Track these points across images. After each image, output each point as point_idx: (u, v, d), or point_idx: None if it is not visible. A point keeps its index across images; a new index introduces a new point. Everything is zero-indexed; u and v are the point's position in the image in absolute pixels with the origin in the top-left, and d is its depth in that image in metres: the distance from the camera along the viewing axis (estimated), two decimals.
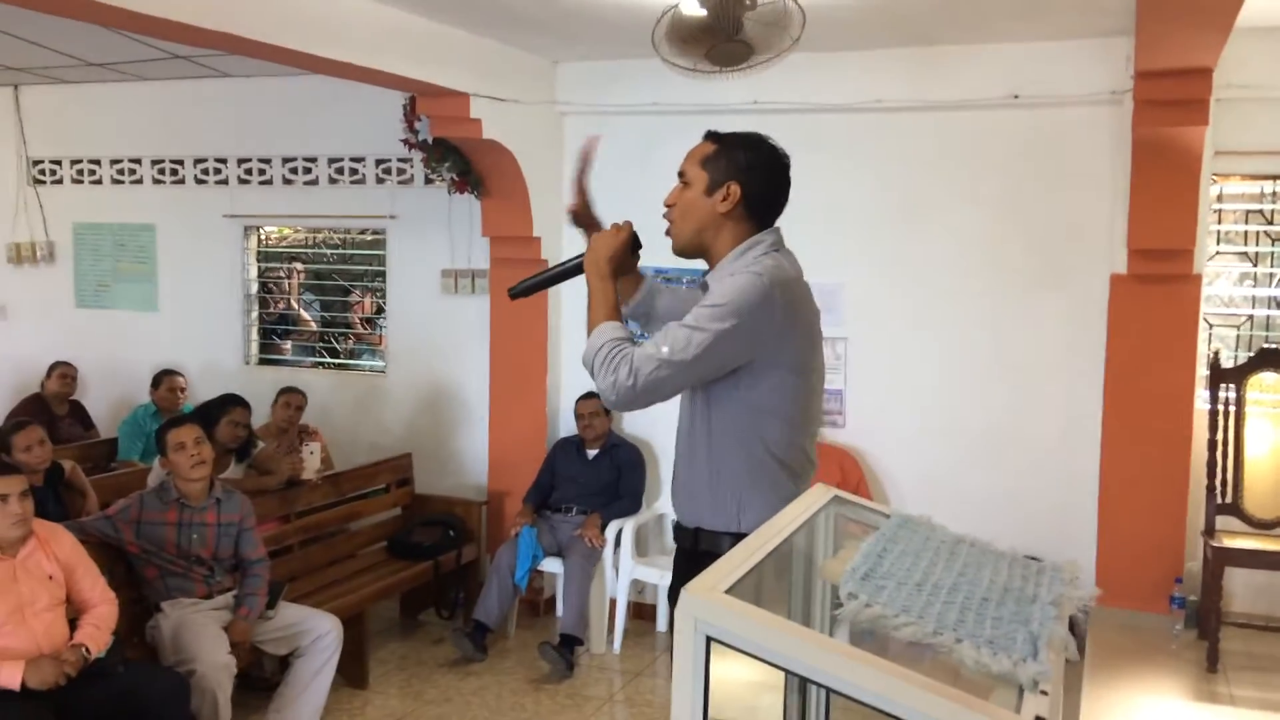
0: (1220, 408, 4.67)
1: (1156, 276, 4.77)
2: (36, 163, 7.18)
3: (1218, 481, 4.67)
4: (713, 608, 1.33)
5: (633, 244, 2.46)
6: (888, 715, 1.23)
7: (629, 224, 2.45)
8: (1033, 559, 4.98)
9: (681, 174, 2.43)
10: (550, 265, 2.62)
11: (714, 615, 1.33)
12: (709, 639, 1.33)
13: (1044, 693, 1.34)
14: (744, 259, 2.34)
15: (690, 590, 1.36)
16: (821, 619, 1.90)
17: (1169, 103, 4.34)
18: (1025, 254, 5.12)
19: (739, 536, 2.23)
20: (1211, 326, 5.14)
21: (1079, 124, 4.96)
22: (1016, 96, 4.97)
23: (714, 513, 2.37)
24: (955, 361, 5.26)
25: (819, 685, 1.27)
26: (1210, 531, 4.63)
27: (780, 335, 2.27)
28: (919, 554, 1.72)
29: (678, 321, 2.23)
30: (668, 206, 2.45)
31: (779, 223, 2.47)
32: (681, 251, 2.44)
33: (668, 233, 2.45)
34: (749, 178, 2.36)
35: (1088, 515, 4.99)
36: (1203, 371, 4.85)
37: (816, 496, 1.96)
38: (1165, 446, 4.82)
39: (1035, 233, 5.09)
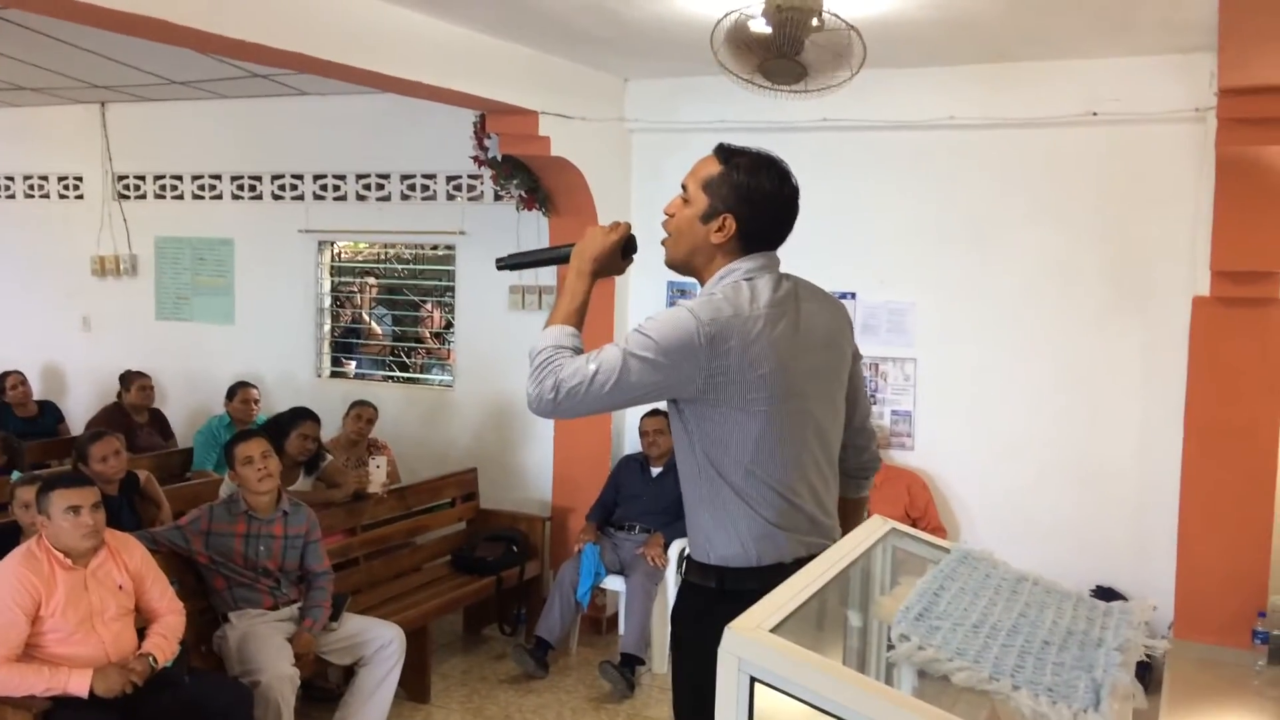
0: None
1: (1241, 299, 4.60)
2: (121, 178, 7.39)
3: None
4: (756, 647, 1.30)
5: (626, 247, 2.36)
6: None
7: (626, 225, 2.36)
8: (1107, 590, 4.81)
9: (684, 187, 2.32)
10: (544, 247, 2.54)
11: (757, 655, 1.29)
12: (753, 679, 1.30)
13: None
14: (711, 287, 2.26)
15: (734, 628, 1.32)
16: (877, 660, 1.84)
17: (1255, 120, 4.19)
18: (1102, 275, 4.99)
19: (713, 569, 2.27)
20: None
21: (1159, 142, 4.82)
22: (1095, 114, 4.85)
23: (693, 541, 2.34)
24: (1029, 385, 5.14)
25: None
26: None
27: (710, 374, 2.14)
28: (978, 592, 1.66)
29: (615, 342, 2.16)
30: (667, 216, 2.34)
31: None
32: (674, 268, 2.36)
33: (663, 244, 2.35)
34: (747, 210, 2.24)
35: (1166, 545, 4.83)
36: None
37: (873, 529, 1.91)
38: (1248, 475, 4.64)
39: (1113, 253, 4.96)
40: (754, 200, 2.24)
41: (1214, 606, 4.66)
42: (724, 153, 2.29)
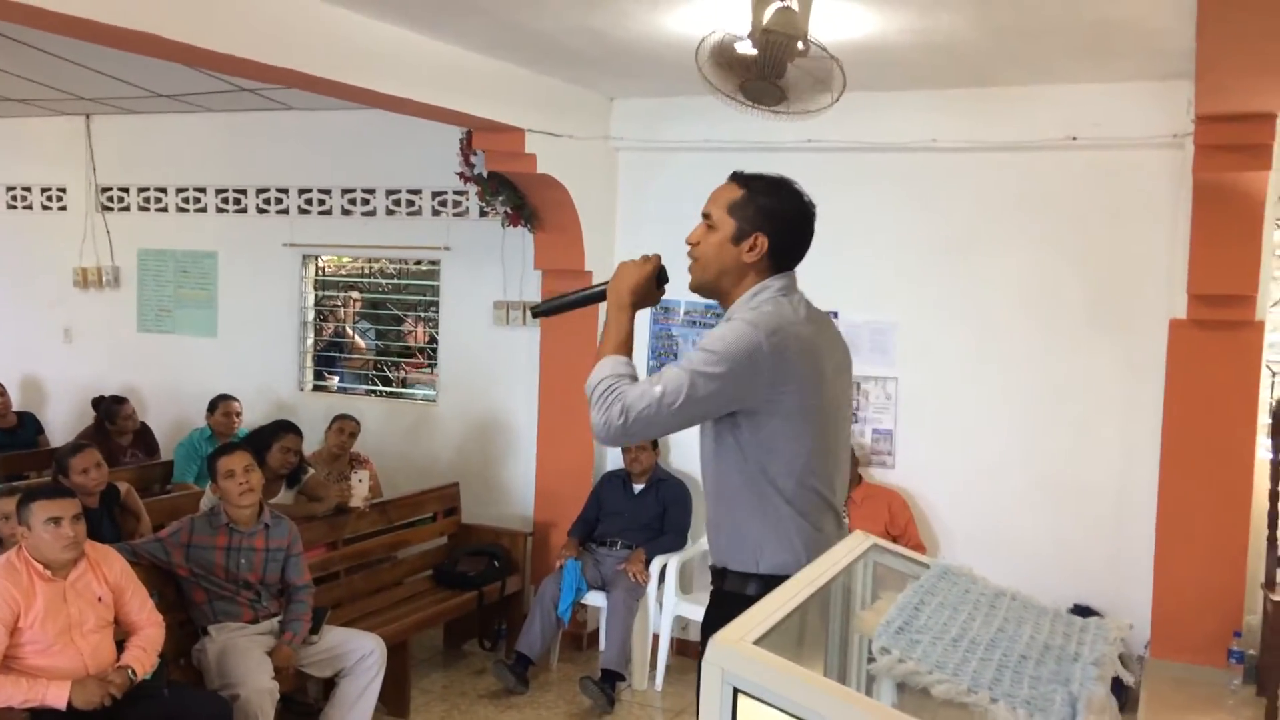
0: None
1: (1217, 322, 4.66)
2: (105, 190, 7.38)
3: (1279, 533, 4.54)
4: (740, 658, 1.32)
5: (659, 277, 2.46)
6: None
7: (657, 257, 2.46)
8: (1085, 608, 4.87)
9: (706, 215, 2.42)
10: (577, 289, 2.61)
11: (741, 666, 1.31)
12: (735, 690, 1.31)
13: None
14: (751, 303, 2.36)
15: (718, 640, 1.34)
16: (859, 672, 1.87)
17: (1231, 147, 4.26)
18: (1082, 297, 5.04)
19: (760, 578, 2.32)
20: (1275, 374, 5.01)
21: (1138, 167, 4.89)
22: (1074, 138, 4.92)
23: (735, 553, 2.38)
24: (1008, 404, 5.18)
25: None
26: (1271, 584, 4.49)
27: (772, 384, 2.25)
28: (957, 607, 1.68)
29: (675, 362, 2.29)
30: (691, 245, 2.44)
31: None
32: (699, 291, 2.46)
33: (690, 270, 2.46)
34: (776, 227, 2.38)
35: (1143, 565, 4.87)
36: (1264, 420, 4.73)
37: (854, 544, 1.94)
38: (1224, 496, 4.69)
39: (1092, 276, 5.02)
40: (779, 218, 2.39)
41: (1190, 626, 4.70)
42: (741, 178, 2.43)
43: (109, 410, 6.42)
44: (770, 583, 2.26)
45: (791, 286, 2.42)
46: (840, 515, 2.43)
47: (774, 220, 2.37)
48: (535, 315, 2.65)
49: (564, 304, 2.61)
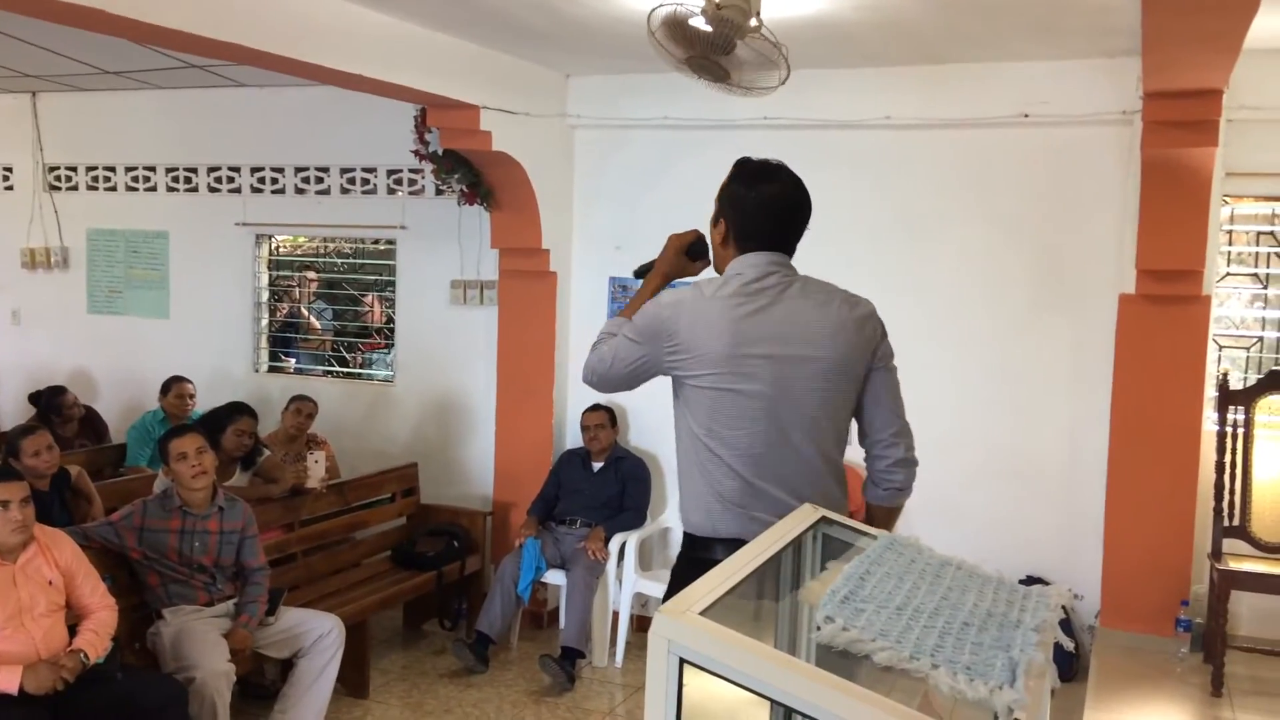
0: (1229, 430, 4.63)
1: (1165, 297, 4.74)
2: (52, 169, 7.25)
3: (1225, 504, 4.63)
4: (686, 629, 1.33)
5: (692, 251, 2.65)
6: None
7: (694, 231, 2.67)
8: (1036, 580, 4.96)
9: None
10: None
11: (686, 636, 1.32)
12: (682, 660, 1.33)
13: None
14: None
15: (664, 611, 1.35)
16: (807, 643, 1.89)
17: (1178, 124, 4.32)
18: (1033, 273, 5.10)
19: (687, 536, 2.51)
20: (1221, 348, 5.11)
21: (1089, 144, 4.94)
22: (1026, 115, 4.96)
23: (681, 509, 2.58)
24: (960, 381, 5.24)
25: (788, 708, 1.26)
26: (1217, 554, 4.59)
27: (670, 352, 2.42)
28: (902, 577, 1.71)
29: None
30: None
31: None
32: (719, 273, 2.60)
33: None
34: (734, 211, 2.50)
35: (1093, 537, 4.95)
36: (1211, 393, 4.82)
37: (803, 517, 1.96)
38: (1172, 468, 4.78)
39: (1043, 252, 5.07)
40: (734, 202, 2.50)
41: (1139, 596, 4.80)
42: (736, 164, 2.57)
43: (50, 403, 6.19)
44: (693, 541, 2.49)
45: (756, 265, 2.45)
46: (780, 492, 2.39)
47: (733, 203, 2.49)
48: (635, 276, 2.79)
49: (646, 267, 2.76)
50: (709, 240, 2.63)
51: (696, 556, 2.44)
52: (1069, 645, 1.71)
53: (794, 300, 2.43)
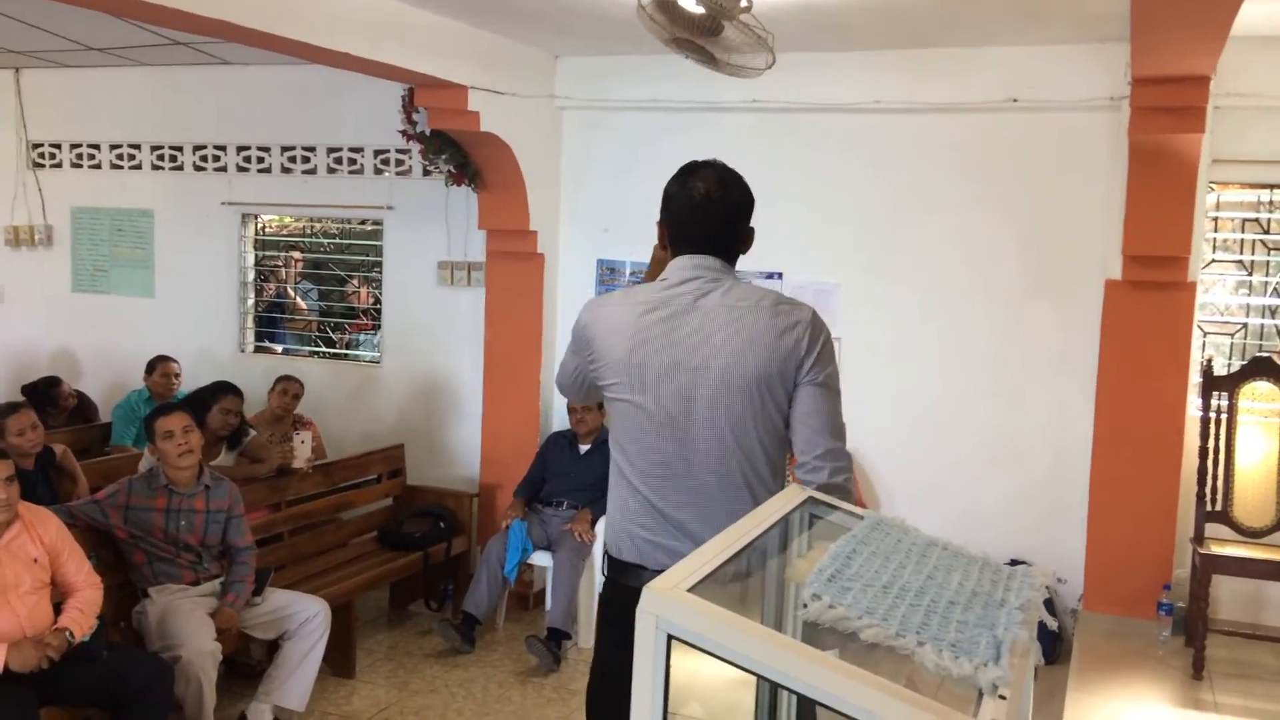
0: (1212, 415, 4.67)
1: (1151, 283, 4.76)
2: (36, 146, 7.19)
3: (1208, 489, 4.67)
4: (673, 605, 1.34)
5: None
6: (846, 717, 1.24)
7: None
8: (1020, 563, 5.01)
9: None
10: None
11: (674, 613, 1.33)
12: (670, 637, 1.33)
13: (1003, 697, 1.34)
14: None
15: (652, 588, 1.36)
16: (794, 621, 1.90)
17: (1165, 109, 4.34)
18: (1020, 258, 5.12)
19: (605, 554, 2.42)
20: (1205, 334, 5.13)
21: (1076, 129, 4.96)
22: (1015, 100, 4.97)
23: None
24: (947, 365, 5.26)
25: (774, 683, 1.27)
26: (1199, 539, 4.62)
27: (589, 360, 2.39)
28: (889, 556, 1.72)
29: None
30: None
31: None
32: None
33: None
34: (666, 215, 2.41)
35: (1077, 521, 4.99)
36: (1195, 379, 4.85)
37: (791, 496, 1.96)
38: (1156, 453, 4.82)
39: (1030, 237, 5.09)
40: (667, 204, 2.40)
41: (1122, 580, 4.84)
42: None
43: (46, 395, 6.12)
44: (610, 562, 2.39)
45: (681, 268, 2.33)
46: (685, 517, 2.26)
47: (665, 203, 2.40)
48: None
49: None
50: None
51: (614, 579, 2.38)
52: (1053, 624, 1.73)
53: (709, 309, 2.26)
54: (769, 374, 2.24)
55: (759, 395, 2.24)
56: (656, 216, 2.49)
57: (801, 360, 2.25)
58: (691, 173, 2.36)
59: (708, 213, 2.32)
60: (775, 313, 2.26)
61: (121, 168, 7.02)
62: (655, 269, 2.51)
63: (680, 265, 2.34)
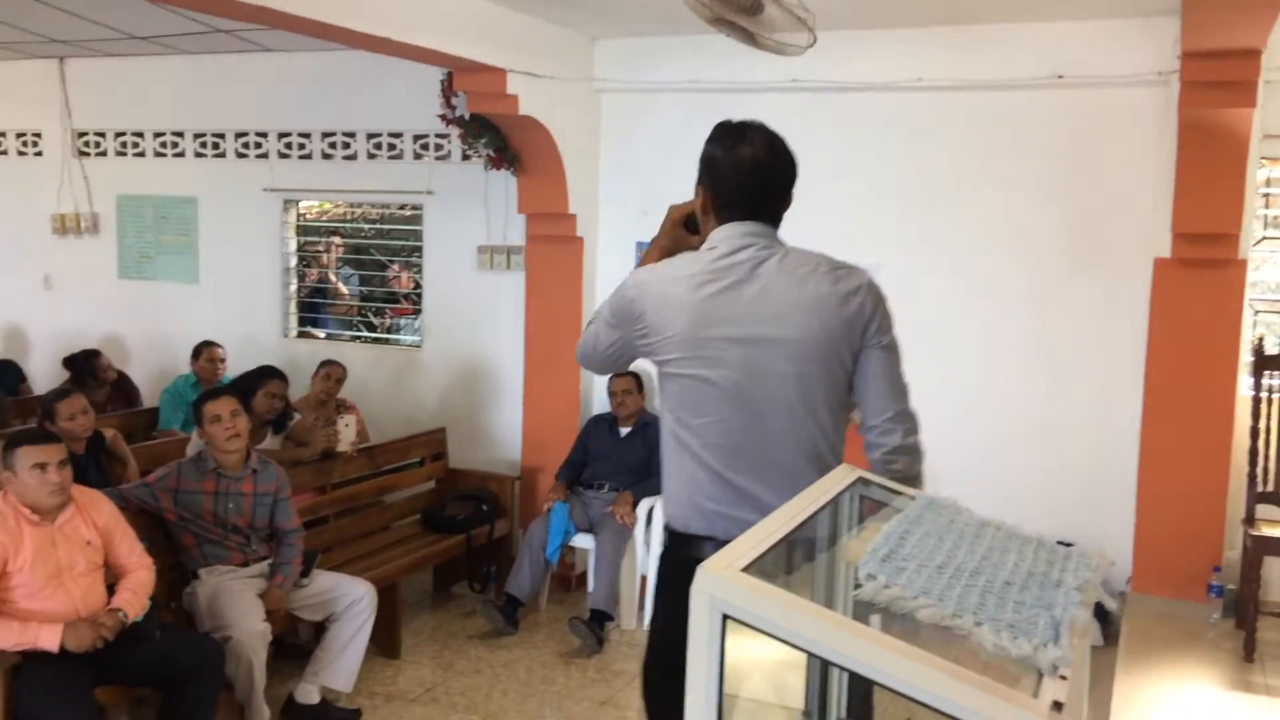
0: (1263, 395, 4.59)
1: (1201, 261, 4.69)
2: (81, 135, 7.28)
3: (1259, 470, 4.60)
4: (729, 585, 1.33)
5: (691, 223, 2.45)
6: (905, 697, 1.23)
7: (691, 202, 2.44)
8: (1066, 544, 4.95)
9: None
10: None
11: (730, 593, 1.32)
12: (725, 616, 1.33)
13: (1064, 677, 1.33)
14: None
15: (706, 567, 1.36)
16: (845, 600, 1.89)
17: (1216, 84, 4.26)
18: (1066, 237, 5.05)
19: (665, 528, 2.37)
20: (1256, 312, 5.05)
21: (1123, 105, 4.88)
22: (1060, 76, 4.89)
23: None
24: (992, 345, 5.21)
25: (830, 663, 1.26)
26: (1250, 520, 4.56)
27: (640, 335, 2.30)
28: (942, 536, 1.70)
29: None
30: None
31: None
32: None
33: None
34: (710, 180, 2.32)
35: (1125, 502, 4.93)
36: (1246, 358, 4.77)
37: (841, 477, 1.95)
38: (1206, 433, 4.75)
39: (1076, 216, 5.02)
40: (712, 169, 2.31)
41: (1171, 561, 4.78)
42: (714, 126, 2.35)
43: (86, 366, 6.27)
44: (673, 536, 2.33)
45: (730, 237, 2.26)
46: (754, 486, 2.22)
47: (708, 168, 2.31)
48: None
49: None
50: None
51: (671, 553, 2.34)
52: (1111, 605, 1.71)
53: (768, 276, 2.22)
54: (836, 340, 2.23)
55: (827, 362, 2.23)
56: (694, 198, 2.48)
57: (866, 324, 2.25)
58: (739, 138, 2.28)
59: (758, 179, 2.27)
60: (835, 278, 2.24)
61: (165, 155, 7.09)
62: (666, 239, 2.47)
63: (730, 233, 2.27)
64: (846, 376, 2.27)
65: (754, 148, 2.27)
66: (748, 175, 2.26)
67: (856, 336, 2.25)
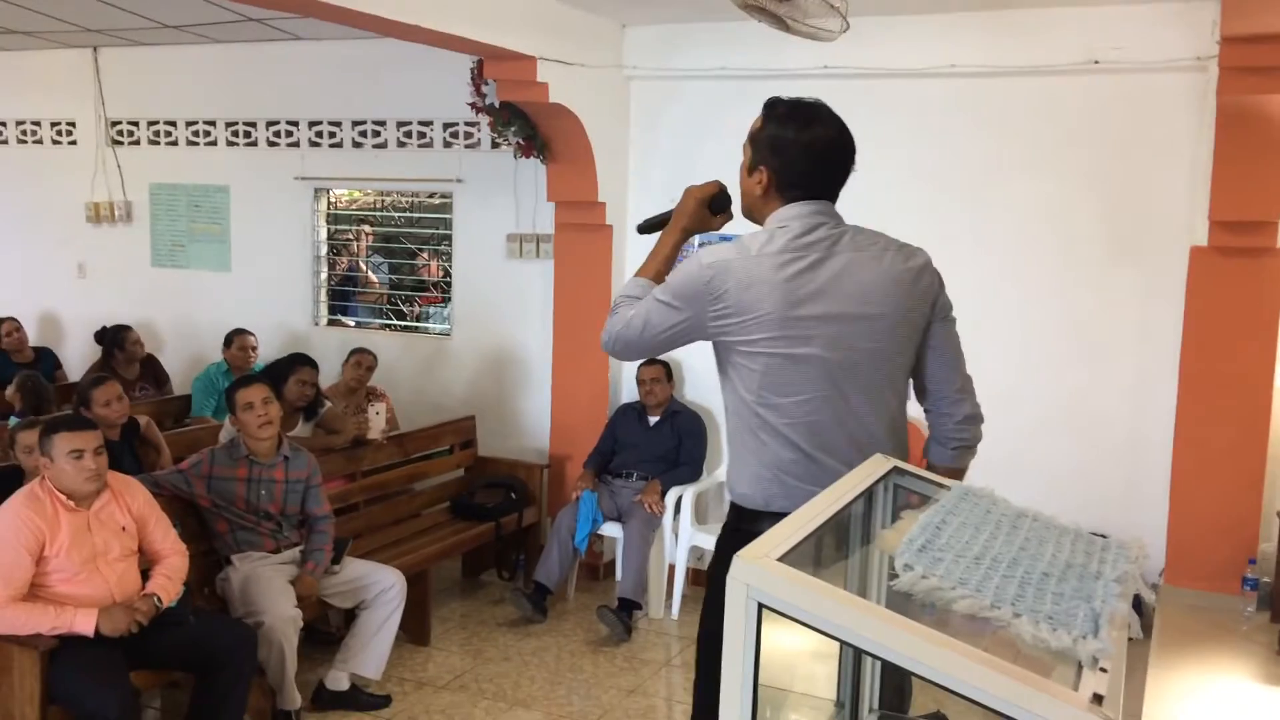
0: None
1: (1239, 249, 4.61)
2: (115, 123, 7.34)
3: None
4: (764, 574, 1.33)
5: (714, 205, 2.46)
6: (942, 688, 1.22)
7: (714, 183, 2.47)
8: (1099, 536, 4.90)
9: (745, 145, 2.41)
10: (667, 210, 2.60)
11: (765, 582, 1.32)
12: (760, 605, 1.32)
13: (1104, 670, 1.31)
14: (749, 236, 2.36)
15: (742, 557, 1.35)
16: (879, 591, 1.88)
17: (1256, 69, 4.18)
18: (1100, 225, 4.99)
19: (733, 506, 2.38)
20: None
21: (1160, 91, 4.81)
22: (1096, 62, 4.82)
23: (730, 479, 2.44)
24: (1026, 334, 5.16)
25: (868, 653, 1.25)
26: None
27: (715, 316, 2.26)
28: (979, 527, 1.69)
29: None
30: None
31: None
32: (749, 220, 2.45)
33: None
34: (780, 158, 2.31)
35: (1159, 494, 4.88)
36: None
37: (875, 467, 1.94)
38: (1242, 424, 4.68)
39: (1111, 203, 4.96)
40: (780, 149, 2.31)
41: (1205, 553, 4.72)
42: (767, 106, 2.37)
43: (116, 338, 6.38)
44: (739, 512, 2.36)
45: (800, 216, 2.29)
46: (837, 462, 2.22)
47: (778, 151, 2.31)
48: (639, 232, 2.67)
49: (654, 223, 2.62)
50: (738, 190, 2.43)
51: (745, 529, 2.30)
52: (1150, 598, 1.69)
53: (846, 254, 2.27)
54: (913, 315, 2.32)
55: (904, 337, 2.32)
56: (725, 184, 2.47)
57: (935, 299, 2.37)
58: (811, 118, 2.31)
59: (829, 160, 2.32)
60: (905, 255, 2.34)
61: (197, 144, 7.14)
62: (689, 221, 2.47)
63: (800, 213, 2.29)
64: (916, 351, 2.36)
65: (826, 128, 2.32)
66: (821, 155, 2.31)
67: (928, 310, 2.35)
